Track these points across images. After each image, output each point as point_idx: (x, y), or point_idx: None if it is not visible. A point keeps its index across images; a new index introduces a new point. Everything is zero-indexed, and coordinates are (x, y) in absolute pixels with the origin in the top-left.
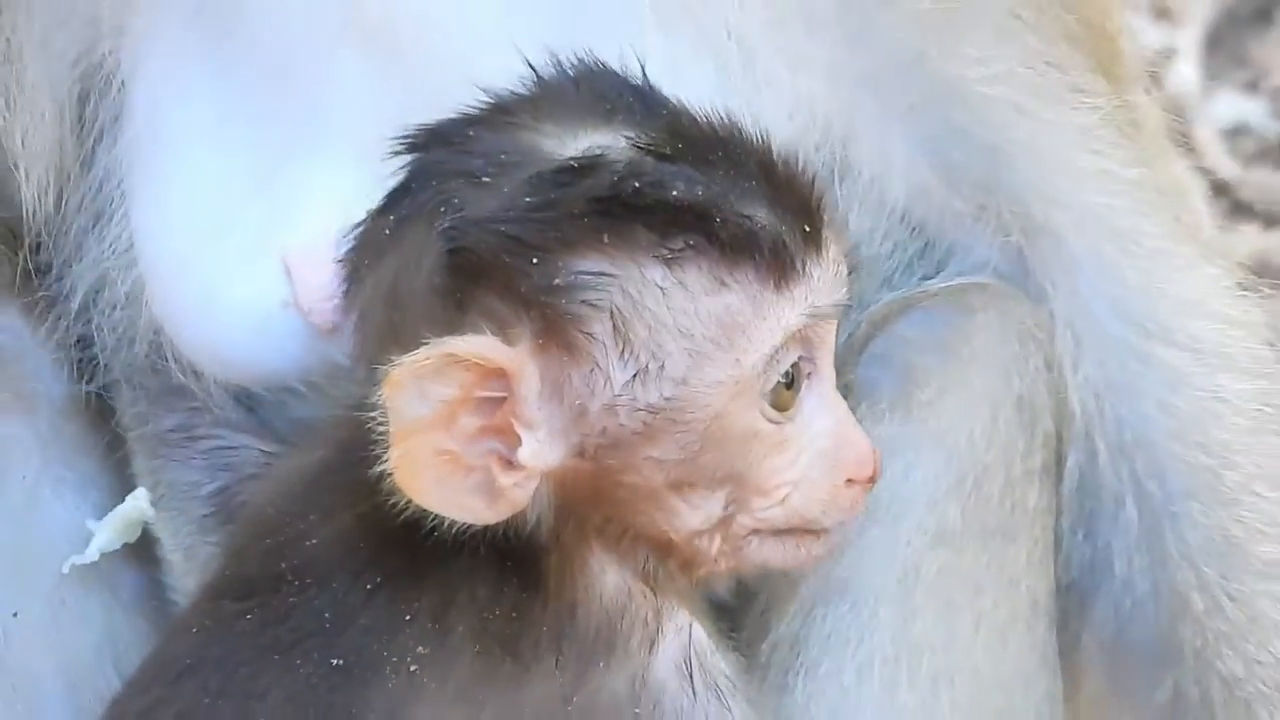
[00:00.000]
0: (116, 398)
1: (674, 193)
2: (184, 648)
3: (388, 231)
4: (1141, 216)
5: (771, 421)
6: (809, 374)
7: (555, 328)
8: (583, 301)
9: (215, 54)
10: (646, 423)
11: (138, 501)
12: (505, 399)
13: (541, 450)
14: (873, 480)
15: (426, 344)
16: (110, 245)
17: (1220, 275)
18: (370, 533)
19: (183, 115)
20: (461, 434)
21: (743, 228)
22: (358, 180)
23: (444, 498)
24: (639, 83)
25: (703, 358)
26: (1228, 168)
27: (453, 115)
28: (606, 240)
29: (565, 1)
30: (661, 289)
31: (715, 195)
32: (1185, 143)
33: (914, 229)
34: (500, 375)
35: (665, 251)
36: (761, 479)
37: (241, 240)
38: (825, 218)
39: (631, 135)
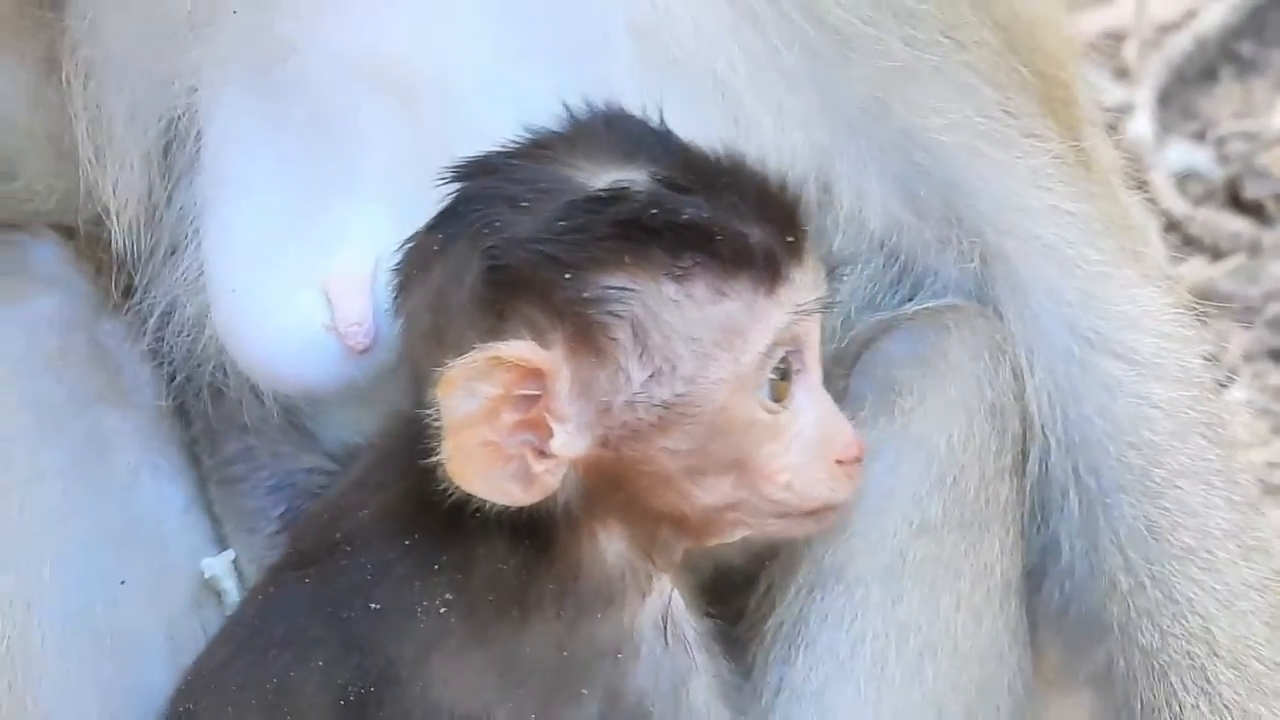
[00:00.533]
0: (191, 412)
1: (684, 219)
2: (253, 611)
3: (436, 248)
4: (1086, 245)
5: (768, 411)
6: (798, 370)
7: (585, 334)
8: (609, 312)
9: (268, 110)
10: (661, 416)
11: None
12: (540, 396)
13: (570, 441)
14: (858, 460)
15: (474, 349)
16: (182, 274)
17: (1158, 294)
18: (411, 502)
19: (243, 162)
20: (503, 427)
21: (739, 245)
22: (387, 219)
23: (487, 484)
24: (658, 126)
25: (708, 359)
26: (1179, 207)
27: (496, 149)
28: (628, 260)
29: (567, 57)
30: (674, 301)
31: (717, 220)
32: (1142, 185)
33: (890, 255)
34: (537, 375)
35: (677, 269)
36: (762, 463)
37: (289, 271)
38: (805, 228)
39: (652, 170)
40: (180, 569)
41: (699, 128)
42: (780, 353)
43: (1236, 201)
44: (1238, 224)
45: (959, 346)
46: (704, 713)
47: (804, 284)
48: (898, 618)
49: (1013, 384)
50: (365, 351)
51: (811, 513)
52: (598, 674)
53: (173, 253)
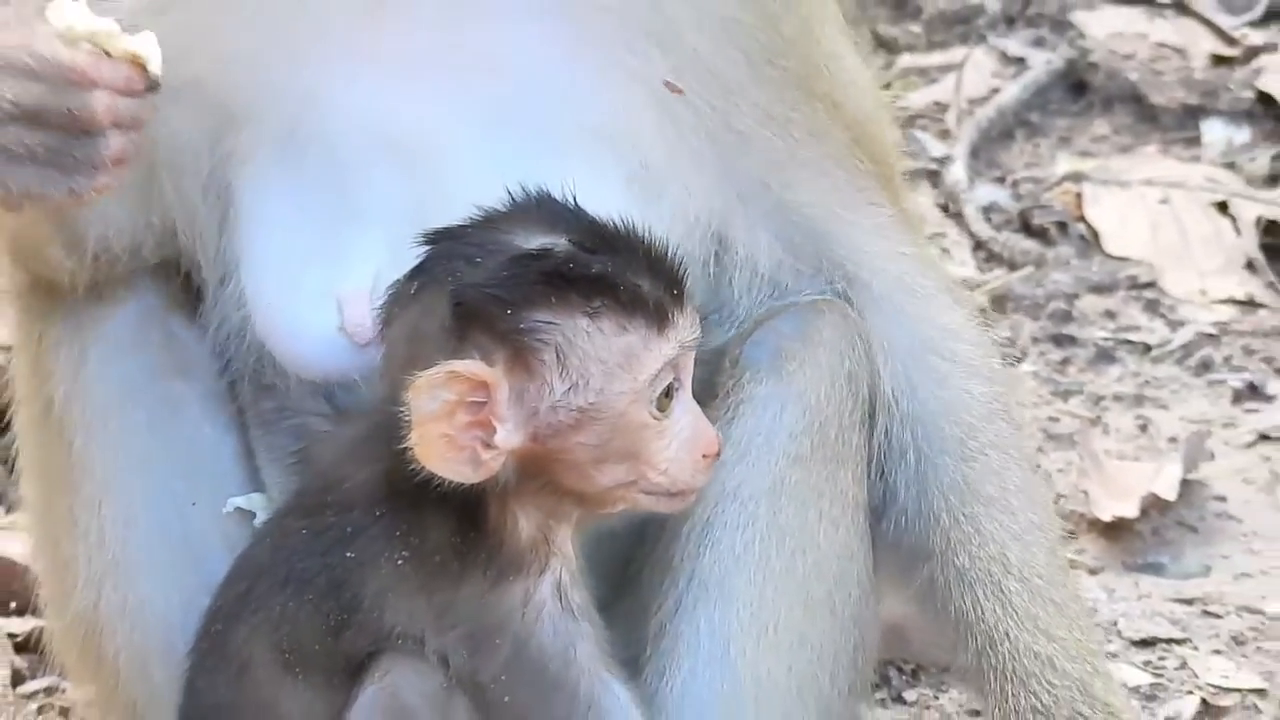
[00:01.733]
0: (239, 387)
1: (594, 271)
2: (263, 551)
3: (412, 293)
4: (918, 277)
5: (655, 419)
6: (677, 387)
7: (520, 356)
8: (538, 339)
9: (292, 165)
10: (577, 419)
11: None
12: (486, 403)
13: (509, 436)
14: (718, 454)
15: (438, 365)
16: (230, 293)
17: (968, 314)
18: (385, 480)
19: (271, 207)
20: (458, 425)
21: (636, 293)
22: (384, 248)
23: (445, 466)
24: (574, 205)
25: (612, 377)
26: (985, 231)
27: (456, 222)
28: (553, 300)
29: (531, 140)
30: (587, 332)
31: (619, 272)
32: (958, 216)
33: (775, 285)
34: (484, 386)
35: (589, 309)
36: (649, 456)
37: (310, 289)
38: (686, 284)
39: (569, 237)
40: (234, 495)
41: (627, 196)
42: (668, 376)
43: (1027, 228)
44: (1028, 244)
45: (829, 327)
46: (588, 669)
47: (685, 325)
48: (778, 525)
49: (865, 359)
50: (367, 345)
51: (678, 494)
52: (509, 626)
53: (223, 281)
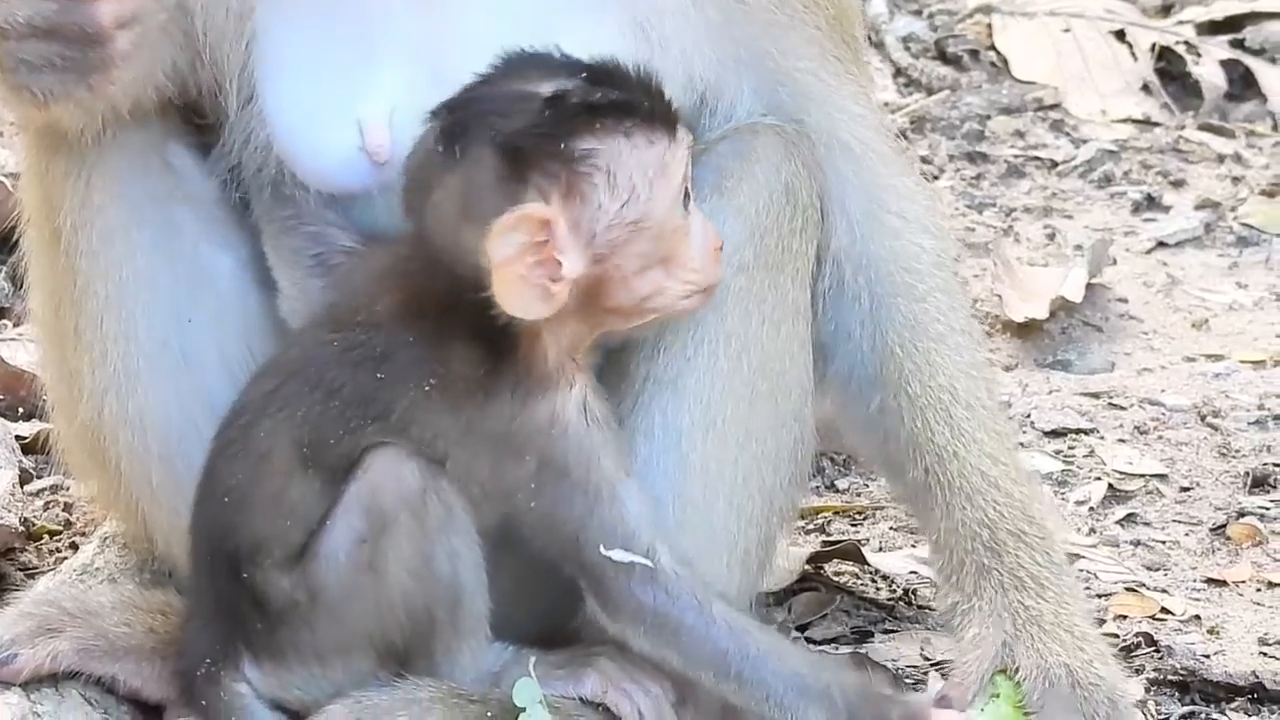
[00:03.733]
0: (254, 200)
1: (615, 98)
2: (295, 354)
3: (454, 156)
4: (879, 141)
5: (683, 219)
6: (689, 191)
7: (575, 186)
8: (589, 165)
9: (316, 2)
10: (630, 233)
11: None
12: (548, 241)
13: (573, 265)
14: (720, 247)
15: (507, 211)
16: (254, 112)
17: (918, 181)
18: (413, 309)
19: (296, 34)
20: (528, 264)
21: (652, 111)
22: (402, 79)
23: (521, 305)
24: (560, 53)
25: (653, 185)
26: (905, 60)
27: (477, 80)
28: (596, 128)
29: None
30: (628, 150)
31: (632, 96)
32: (880, 45)
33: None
34: (546, 224)
35: (623, 129)
36: (682, 257)
37: (333, 111)
38: (678, 107)
39: (574, 77)
40: (229, 311)
41: (628, 49)
42: (683, 178)
43: (943, 56)
44: (943, 70)
45: (763, 146)
46: (609, 473)
47: (685, 132)
48: (724, 329)
49: (802, 169)
50: (385, 164)
51: (705, 289)
52: (535, 441)
53: (250, 100)
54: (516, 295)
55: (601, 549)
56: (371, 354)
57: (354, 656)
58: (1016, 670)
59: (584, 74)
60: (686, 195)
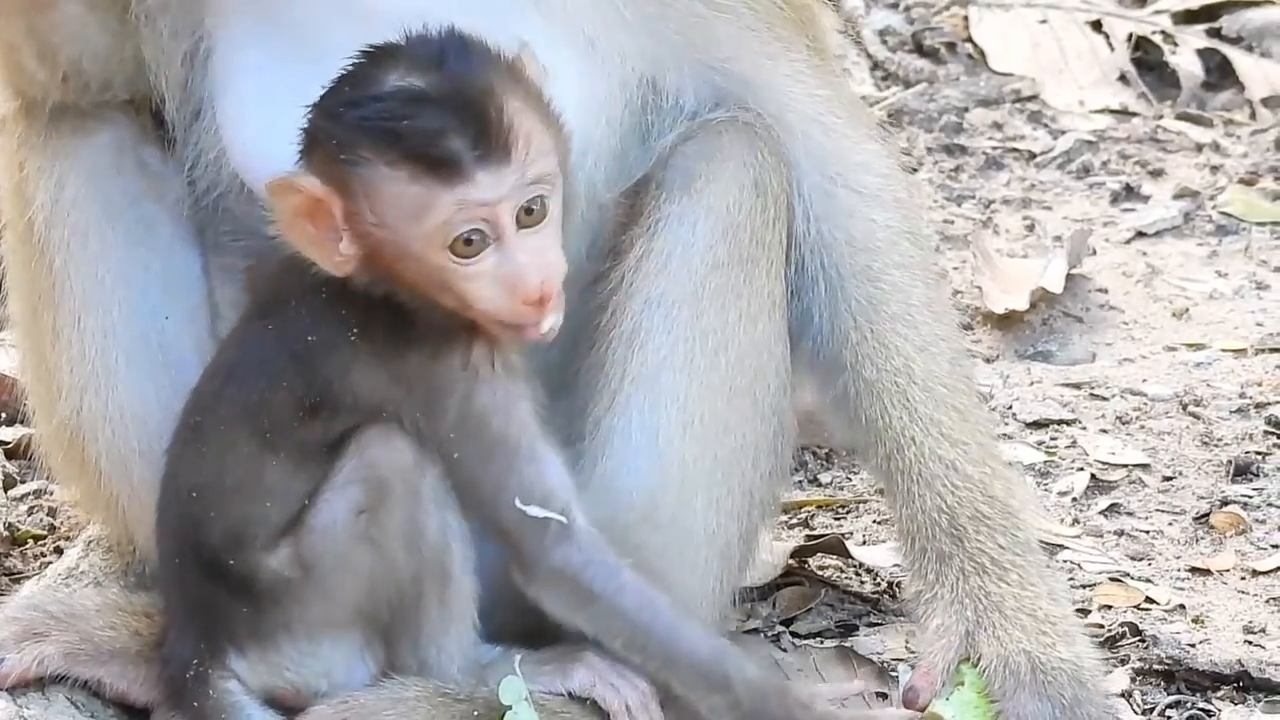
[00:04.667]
0: (205, 215)
1: (406, 124)
2: (234, 349)
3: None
4: (830, 115)
5: (456, 262)
6: (494, 237)
7: (344, 183)
8: (354, 173)
9: (264, 26)
10: (391, 250)
11: None
12: (331, 213)
13: (348, 247)
14: (542, 299)
15: (283, 174)
16: (205, 127)
17: (878, 147)
18: (332, 282)
19: (246, 53)
20: (319, 225)
21: (437, 151)
22: None
23: (313, 254)
24: (451, 51)
25: (404, 220)
26: (882, 53)
27: (369, 45)
28: (365, 144)
29: (480, 12)
30: (386, 178)
31: (431, 129)
32: (858, 39)
33: (696, 118)
34: (320, 201)
35: (390, 158)
36: (463, 294)
37: (286, 128)
38: (504, 149)
39: (419, 83)
40: (204, 308)
41: (565, 62)
42: (463, 226)
43: (920, 48)
44: (920, 63)
45: (730, 144)
46: (528, 425)
47: (487, 184)
48: (700, 326)
49: (773, 161)
50: None
51: (514, 328)
52: (454, 388)
53: (198, 116)
54: (302, 243)
55: (518, 502)
56: (305, 325)
57: (344, 632)
58: (979, 659)
59: (429, 85)
60: (468, 243)
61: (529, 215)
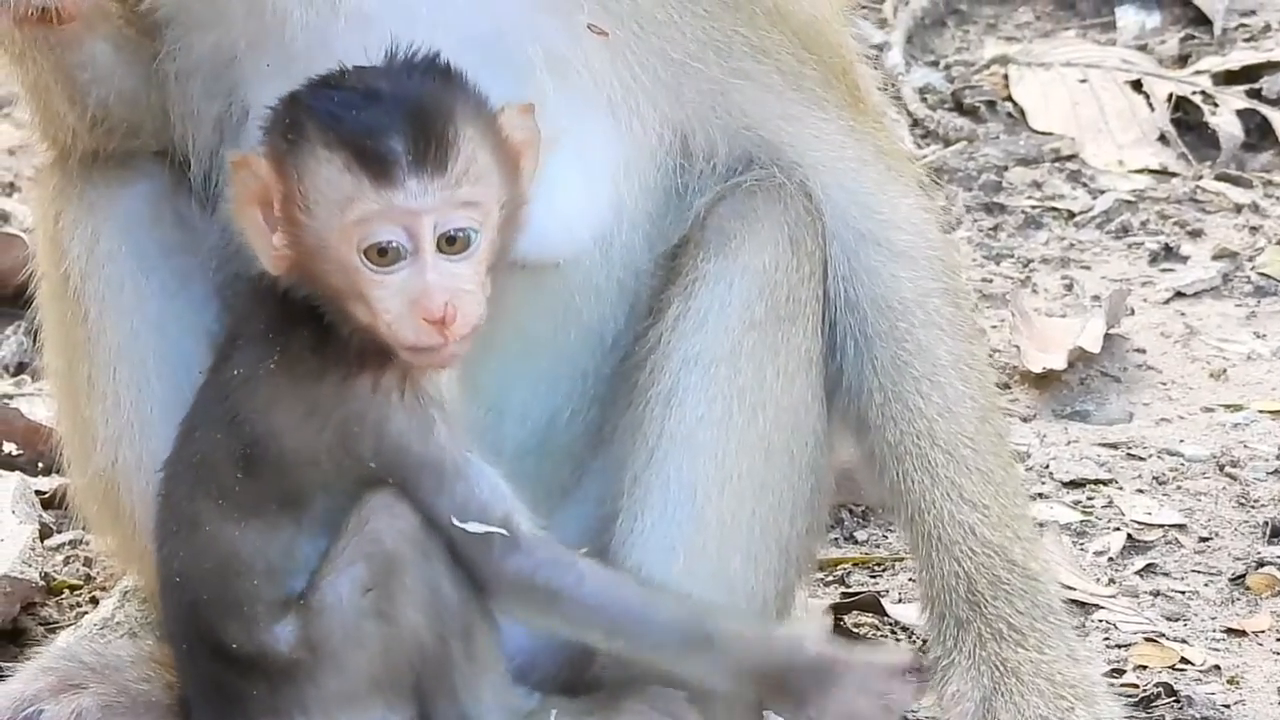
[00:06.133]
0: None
1: (351, 118)
2: (189, 412)
3: None
4: (860, 173)
5: (368, 267)
6: (411, 250)
7: (283, 164)
8: (293, 154)
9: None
10: (313, 240)
11: None
12: (271, 201)
13: (279, 236)
14: (441, 320)
15: (245, 150)
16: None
17: (915, 204)
18: (263, 295)
19: None
20: (256, 210)
21: (376, 149)
22: None
23: (253, 243)
24: (425, 73)
25: (328, 207)
26: (921, 111)
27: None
28: (309, 129)
29: (494, 75)
30: (320, 163)
31: (373, 128)
32: (897, 98)
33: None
34: (264, 184)
35: (327, 145)
36: (371, 303)
37: None
38: (444, 164)
39: (383, 88)
40: None
41: (588, 125)
42: (385, 232)
43: (959, 107)
44: (960, 121)
45: (763, 204)
46: (448, 446)
47: (416, 193)
48: (738, 385)
49: (807, 218)
50: None
51: (415, 349)
52: (367, 416)
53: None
54: (252, 241)
55: (455, 521)
56: (232, 369)
57: (363, 704)
58: None
59: (390, 92)
60: (382, 253)
61: (450, 245)
